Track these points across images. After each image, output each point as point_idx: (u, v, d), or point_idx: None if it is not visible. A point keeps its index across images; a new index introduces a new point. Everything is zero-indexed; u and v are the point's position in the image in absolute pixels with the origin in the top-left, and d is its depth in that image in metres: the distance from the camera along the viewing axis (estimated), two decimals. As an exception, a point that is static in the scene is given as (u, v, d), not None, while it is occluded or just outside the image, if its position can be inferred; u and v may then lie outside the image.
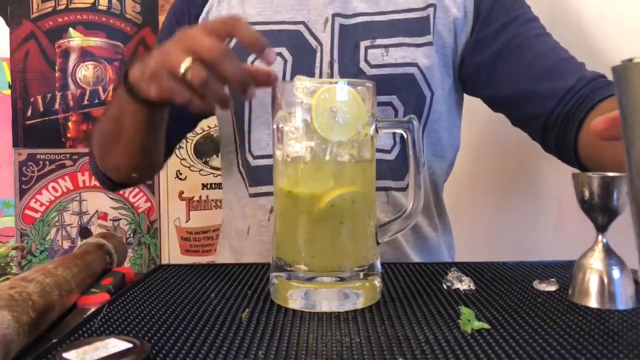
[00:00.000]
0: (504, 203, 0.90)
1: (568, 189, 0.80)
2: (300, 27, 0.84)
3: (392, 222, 0.54)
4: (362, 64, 0.81)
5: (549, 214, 0.94)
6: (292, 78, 0.80)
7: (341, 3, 0.84)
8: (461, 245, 1.08)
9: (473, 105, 0.99)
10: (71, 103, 1.34)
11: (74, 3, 1.37)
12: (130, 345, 0.38)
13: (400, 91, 0.79)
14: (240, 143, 0.85)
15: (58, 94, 1.34)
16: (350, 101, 0.49)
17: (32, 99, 1.36)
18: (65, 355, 0.36)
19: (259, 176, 0.82)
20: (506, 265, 0.64)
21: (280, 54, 0.82)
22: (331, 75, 0.81)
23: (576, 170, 0.71)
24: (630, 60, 0.34)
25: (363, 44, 0.81)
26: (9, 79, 1.35)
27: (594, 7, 0.84)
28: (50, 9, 1.36)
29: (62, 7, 1.37)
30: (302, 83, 0.49)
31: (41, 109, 1.36)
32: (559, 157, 0.77)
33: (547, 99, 0.74)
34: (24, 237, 1.30)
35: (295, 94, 0.49)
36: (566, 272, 0.60)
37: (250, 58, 0.80)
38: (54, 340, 0.41)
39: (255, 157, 0.82)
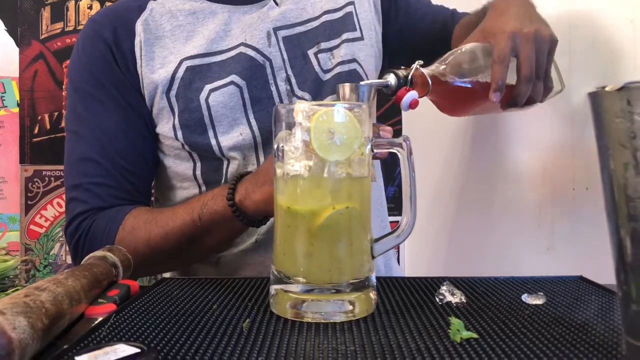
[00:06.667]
0: (498, 224, 0.93)
1: (562, 211, 0.82)
2: (241, 48, 0.82)
3: (386, 237, 0.56)
4: (319, 72, 0.84)
5: (542, 235, 0.96)
6: (251, 103, 0.80)
7: (277, 14, 0.84)
8: (454, 264, 1.10)
9: (470, 128, 1.02)
10: (77, 121, 1.37)
11: (82, 25, 1.41)
12: (138, 350, 0.40)
13: None
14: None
15: (64, 112, 1.38)
16: (347, 123, 0.52)
17: (39, 117, 1.40)
18: (77, 358, 0.38)
19: None
20: (497, 280, 0.66)
21: (232, 82, 0.80)
22: (291, 90, 0.82)
23: None
24: (603, 88, 0.38)
25: (310, 52, 0.84)
26: (17, 97, 1.39)
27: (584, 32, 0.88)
28: (59, 30, 1.40)
29: (71, 28, 1.41)
30: (301, 106, 0.52)
31: (48, 127, 1.40)
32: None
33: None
34: (29, 251, 1.33)
35: (295, 116, 0.52)
36: (555, 286, 0.62)
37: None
38: (65, 346, 0.43)
39: None
